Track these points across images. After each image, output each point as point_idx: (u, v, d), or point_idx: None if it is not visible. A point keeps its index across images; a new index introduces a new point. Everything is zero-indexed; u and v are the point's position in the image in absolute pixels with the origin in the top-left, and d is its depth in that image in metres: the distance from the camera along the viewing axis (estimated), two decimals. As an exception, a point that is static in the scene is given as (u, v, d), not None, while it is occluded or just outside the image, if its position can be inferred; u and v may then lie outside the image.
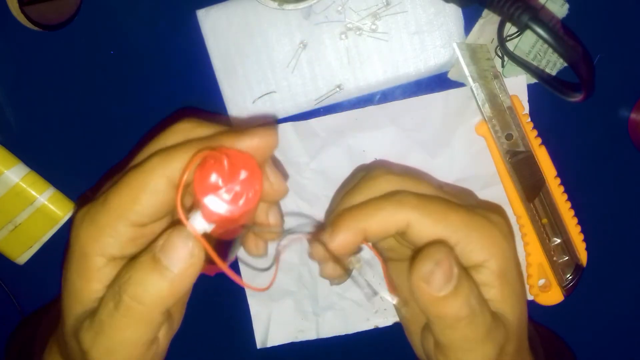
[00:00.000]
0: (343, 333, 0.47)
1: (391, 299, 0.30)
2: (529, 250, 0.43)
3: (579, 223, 0.43)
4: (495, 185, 0.44)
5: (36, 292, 0.48)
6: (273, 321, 0.47)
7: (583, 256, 0.44)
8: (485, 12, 0.42)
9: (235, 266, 0.46)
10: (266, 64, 0.43)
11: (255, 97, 0.43)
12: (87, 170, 0.45)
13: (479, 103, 0.41)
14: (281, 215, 0.33)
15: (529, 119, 0.42)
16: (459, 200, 0.32)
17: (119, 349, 0.27)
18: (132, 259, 0.27)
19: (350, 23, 0.42)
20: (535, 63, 0.42)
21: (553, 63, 0.42)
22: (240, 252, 0.43)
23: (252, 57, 0.42)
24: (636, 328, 0.47)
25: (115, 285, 0.26)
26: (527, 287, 0.44)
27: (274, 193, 0.29)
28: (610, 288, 0.47)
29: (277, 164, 0.44)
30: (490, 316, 0.29)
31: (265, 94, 0.43)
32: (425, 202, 0.30)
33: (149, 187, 0.27)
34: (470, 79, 0.41)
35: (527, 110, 0.43)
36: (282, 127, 0.43)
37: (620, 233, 0.46)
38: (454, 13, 0.41)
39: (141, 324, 0.26)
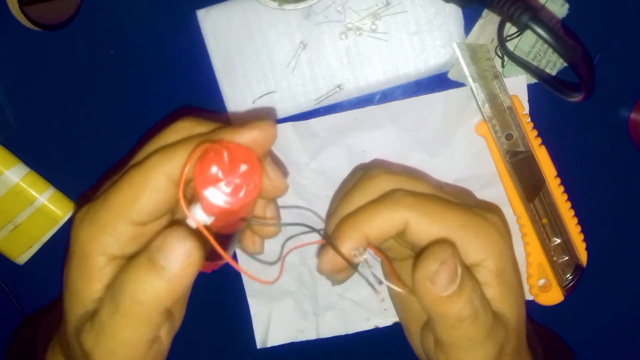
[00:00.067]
0: (343, 333, 0.47)
1: (399, 289, 0.30)
2: (529, 250, 0.43)
3: (579, 223, 0.43)
4: (495, 185, 0.44)
5: (36, 292, 0.48)
6: (273, 321, 0.47)
7: (583, 256, 0.44)
8: (485, 12, 0.42)
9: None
10: (266, 64, 0.43)
11: (255, 97, 0.43)
12: (87, 170, 0.45)
13: (479, 103, 0.41)
14: (278, 213, 0.33)
15: (529, 119, 0.42)
16: (457, 200, 0.32)
17: (121, 349, 0.27)
18: (131, 259, 0.27)
19: (350, 23, 0.42)
20: (535, 63, 0.42)
21: (553, 63, 0.42)
22: (240, 252, 0.43)
23: (252, 57, 0.42)
24: (636, 328, 0.47)
25: (114, 286, 0.26)
26: (527, 287, 0.44)
27: (274, 190, 0.29)
28: (610, 288, 0.47)
29: (277, 162, 0.44)
30: (492, 316, 0.29)
31: (265, 94, 0.43)
32: (422, 202, 0.30)
33: (150, 185, 0.27)
34: (470, 79, 0.41)
35: (527, 110, 0.43)
36: (282, 127, 0.43)
37: (620, 233, 0.46)
38: (454, 13, 0.41)
39: (141, 324, 0.26)
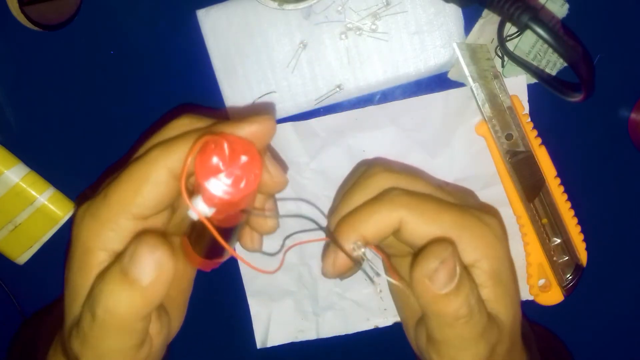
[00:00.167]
0: (343, 333, 0.47)
1: (396, 282, 0.30)
2: (529, 250, 0.43)
3: (579, 223, 0.43)
4: (495, 185, 0.44)
5: (36, 292, 0.48)
6: (273, 321, 0.47)
7: (583, 256, 0.44)
8: (485, 12, 0.42)
9: (234, 264, 0.46)
10: (266, 64, 0.43)
11: (255, 97, 0.43)
12: (87, 170, 0.45)
13: (479, 103, 0.41)
14: (277, 208, 0.33)
15: (529, 119, 0.42)
16: (456, 199, 0.32)
17: (106, 356, 0.27)
18: (105, 269, 0.27)
19: (350, 23, 0.42)
20: (535, 63, 0.42)
21: (553, 63, 0.42)
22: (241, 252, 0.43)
23: (252, 57, 0.42)
24: (636, 328, 0.47)
25: (91, 296, 0.26)
26: (527, 287, 0.44)
27: (274, 185, 0.30)
28: (610, 288, 0.47)
29: (277, 157, 0.44)
30: (486, 317, 0.29)
31: (265, 94, 0.43)
32: (417, 201, 0.30)
33: (151, 178, 0.27)
34: (470, 79, 0.41)
35: (527, 110, 0.43)
36: (282, 127, 0.43)
37: (620, 233, 0.46)
38: (454, 13, 0.41)
39: (121, 333, 0.26)
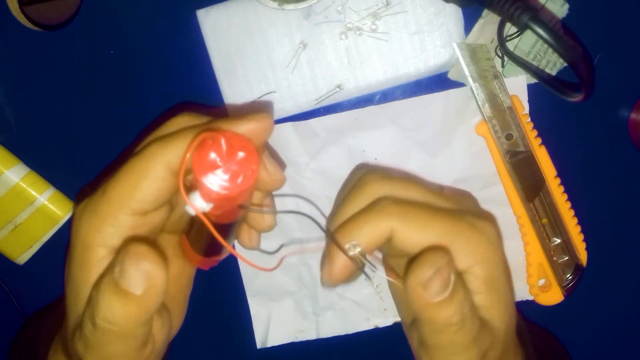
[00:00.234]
0: (343, 333, 0.47)
1: (392, 280, 0.30)
2: (529, 250, 0.43)
3: (579, 223, 0.43)
4: (495, 185, 0.44)
5: (36, 292, 0.48)
6: (273, 321, 0.47)
7: (583, 256, 0.44)
8: (485, 12, 0.42)
9: (234, 264, 0.46)
10: (266, 64, 0.43)
11: (255, 97, 0.43)
12: (87, 170, 0.45)
13: (479, 103, 0.41)
14: (275, 206, 0.33)
15: (529, 119, 0.42)
16: (452, 204, 0.32)
17: (110, 359, 0.27)
18: (100, 279, 0.27)
19: (350, 23, 0.42)
20: (535, 63, 0.42)
21: (553, 63, 0.42)
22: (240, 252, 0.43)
23: (252, 57, 0.42)
24: (636, 328, 0.47)
25: (90, 305, 0.26)
26: (527, 287, 0.45)
27: (272, 182, 0.30)
28: (610, 288, 0.47)
29: (274, 155, 0.44)
30: (479, 323, 0.29)
31: (265, 94, 0.43)
32: (408, 210, 0.30)
33: (149, 173, 0.27)
34: (470, 79, 0.41)
35: (527, 110, 0.43)
36: (282, 127, 0.43)
37: (620, 233, 0.46)
38: (454, 13, 0.41)
39: (122, 339, 0.26)
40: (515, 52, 0.42)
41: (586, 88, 0.37)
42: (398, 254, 0.35)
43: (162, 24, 0.43)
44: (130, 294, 0.25)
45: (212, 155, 0.25)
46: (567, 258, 0.44)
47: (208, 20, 0.42)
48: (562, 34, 0.39)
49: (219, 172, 0.25)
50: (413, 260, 0.28)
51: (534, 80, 0.42)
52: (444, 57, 0.42)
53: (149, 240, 0.29)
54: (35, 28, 0.41)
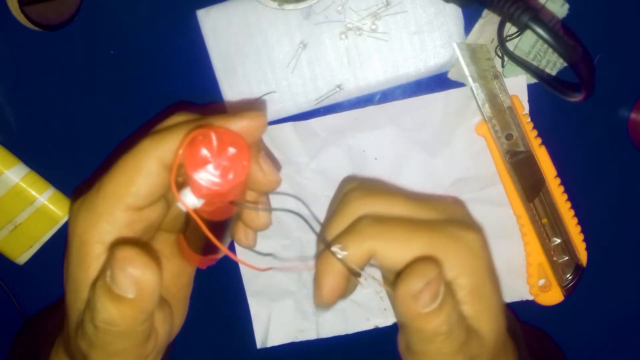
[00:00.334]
0: (343, 333, 0.47)
1: (379, 283, 0.31)
2: (529, 250, 0.43)
3: (579, 223, 0.43)
4: (495, 185, 0.44)
5: (36, 292, 0.48)
6: (273, 321, 0.47)
7: (583, 256, 0.44)
8: (485, 12, 0.42)
9: (234, 264, 0.46)
10: (266, 64, 0.43)
11: (255, 97, 0.43)
12: (87, 170, 0.45)
13: (479, 103, 0.41)
14: (270, 205, 0.33)
15: (529, 119, 0.42)
16: (437, 213, 0.32)
17: (115, 355, 0.27)
18: (96, 283, 0.27)
19: (350, 23, 0.42)
20: (535, 63, 0.42)
21: (553, 63, 0.42)
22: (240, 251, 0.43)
23: (252, 57, 0.42)
24: (636, 328, 0.47)
25: (89, 307, 0.26)
26: (527, 287, 0.45)
27: (267, 183, 0.30)
28: (610, 288, 0.47)
29: (270, 155, 0.44)
30: (466, 332, 0.29)
31: (265, 94, 0.43)
32: (386, 229, 0.30)
33: (143, 169, 0.27)
34: (470, 79, 0.41)
35: (527, 110, 0.43)
36: (282, 127, 0.43)
37: (620, 233, 0.46)
38: (454, 13, 0.41)
39: (124, 337, 0.26)
40: (515, 52, 0.42)
41: (586, 88, 0.37)
42: (384, 269, 0.35)
43: (162, 24, 0.43)
44: (123, 297, 0.25)
45: (203, 151, 0.25)
46: (567, 258, 0.44)
47: (208, 20, 0.42)
48: (562, 34, 0.39)
49: (210, 167, 0.25)
50: (403, 269, 0.29)
51: (534, 80, 0.42)
52: (444, 57, 0.42)
53: (140, 241, 0.30)
54: (35, 28, 0.41)
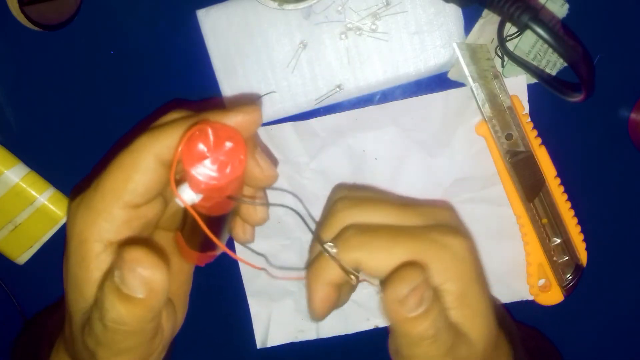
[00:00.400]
0: (343, 333, 0.47)
1: (373, 284, 0.31)
2: (529, 250, 0.43)
3: (579, 223, 0.43)
4: (495, 185, 0.44)
5: (36, 292, 0.48)
6: (273, 321, 0.47)
7: (583, 256, 0.44)
8: (485, 12, 0.42)
9: (234, 264, 0.46)
10: (266, 64, 0.43)
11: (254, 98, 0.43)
12: (87, 170, 0.45)
13: (479, 103, 0.41)
14: (267, 200, 0.34)
15: (529, 119, 0.42)
16: (423, 219, 0.32)
17: (123, 353, 0.27)
18: (104, 282, 0.27)
19: (350, 23, 0.42)
20: (535, 63, 0.42)
21: (553, 63, 0.42)
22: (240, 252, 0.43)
23: (252, 57, 0.42)
24: (636, 328, 0.47)
25: (97, 306, 0.27)
26: (527, 287, 0.45)
27: (264, 178, 0.30)
28: (610, 288, 0.47)
29: (266, 151, 0.44)
30: (453, 336, 0.29)
31: (265, 94, 0.43)
32: (370, 238, 0.31)
33: (140, 165, 0.28)
34: (470, 79, 0.41)
35: (527, 110, 0.43)
36: (282, 127, 0.43)
37: (620, 233, 0.46)
38: (454, 13, 0.41)
39: (133, 336, 0.26)
40: (515, 52, 0.42)
41: (586, 88, 0.37)
42: (371, 277, 0.35)
43: (162, 24, 0.43)
44: (132, 297, 0.25)
45: (200, 146, 0.25)
46: (567, 258, 0.44)
47: (208, 20, 0.42)
48: (562, 34, 0.39)
49: (207, 162, 0.25)
50: (389, 275, 0.29)
51: (534, 80, 0.42)
52: (444, 57, 0.42)
53: (147, 241, 0.30)
54: (35, 28, 0.41)
